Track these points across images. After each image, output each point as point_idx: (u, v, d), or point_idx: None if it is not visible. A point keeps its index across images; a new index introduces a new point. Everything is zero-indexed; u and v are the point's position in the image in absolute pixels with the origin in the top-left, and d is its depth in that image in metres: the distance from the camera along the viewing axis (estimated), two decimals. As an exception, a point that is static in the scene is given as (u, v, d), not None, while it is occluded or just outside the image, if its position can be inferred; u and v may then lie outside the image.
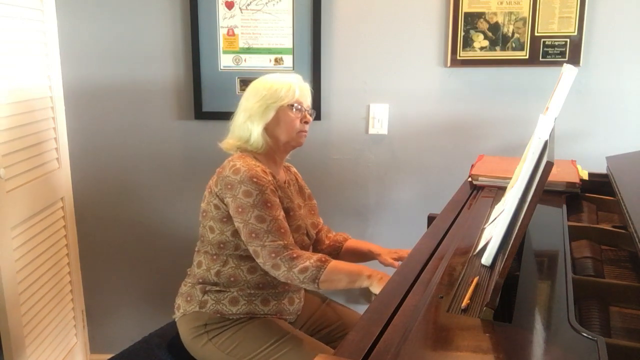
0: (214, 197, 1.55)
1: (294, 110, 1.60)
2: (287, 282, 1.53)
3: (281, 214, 1.53)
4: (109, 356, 1.68)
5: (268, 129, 1.59)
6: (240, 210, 1.50)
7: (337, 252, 1.79)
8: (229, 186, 1.51)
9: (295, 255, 1.48)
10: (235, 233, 1.54)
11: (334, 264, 1.49)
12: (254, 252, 1.51)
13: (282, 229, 1.50)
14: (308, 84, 1.66)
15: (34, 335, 1.98)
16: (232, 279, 1.57)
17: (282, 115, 1.59)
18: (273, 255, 1.48)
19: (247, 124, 1.59)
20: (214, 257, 1.59)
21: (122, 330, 2.44)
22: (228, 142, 1.65)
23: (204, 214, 1.60)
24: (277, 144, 1.63)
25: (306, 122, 1.63)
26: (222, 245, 1.57)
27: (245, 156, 1.58)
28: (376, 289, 1.43)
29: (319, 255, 1.50)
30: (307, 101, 1.65)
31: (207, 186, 1.61)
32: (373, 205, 2.31)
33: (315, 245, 1.79)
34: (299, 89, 1.61)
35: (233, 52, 2.17)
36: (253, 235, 1.49)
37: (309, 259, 1.48)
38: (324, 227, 1.83)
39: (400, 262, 1.66)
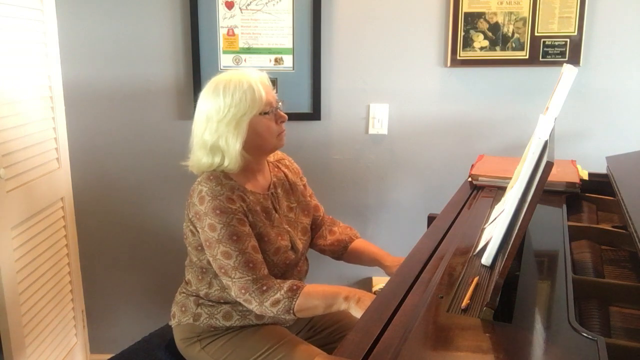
0: (189, 222, 1.48)
1: (267, 115, 1.45)
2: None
3: (250, 244, 1.42)
4: (109, 356, 1.68)
5: (245, 144, 1.43)
6: (207, 244, 1.42)
7: (342, 252, 1.71)
8: (197, 216, 1.43)
9: (265, 288, 1.40)
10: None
11: (307, 290, 1.40)
12: (226, 285, 1.45)
13: (250, 262, 1.40)
14: (264, 73, 1.49)
15: (34, 335, 1.98)
16: (221, 300, 1.53)
17: (257, 125, 1.44)
18: (243, 291, 1.41)
19: (220, 144, 1.42)
20: (200, 278, 1.54)
21: (122, 330, 2.44)
22: (197, 168, 1.49)
23: (185, 236, 1.53)
24: (258, 154, 1.50)
25: (282, 122, 1.49)
26: (204, 270, 1.52)
27: (214, 177, 1.44)
28: (355, 311, 1.35)
29: (290, 283, 1.41)
30: (274, 95, 1.48)
31: (185, 206, 1.51)
32: (373, 205, 2.31)
33: (317, 242, 1.72)
34: (262, 87, 1.43)
35: (233, 52, 2.17)
36: (222, 271, 1.42)
37: (280, 290, 1.39)
38: (326, 220, 1.75)
39: None
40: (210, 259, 1.44)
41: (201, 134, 1.45)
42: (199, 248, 1.49)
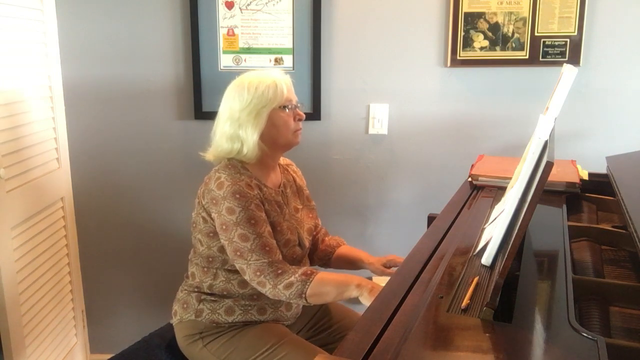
0: (202, 210, 1.51)
1: (287, 110, 1.52)
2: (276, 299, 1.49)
3: (266, 229, 1.47)
4: (109, 356, 1.68)
5: (263, 136, 1.50)
6: (224, 227, 1.45)
7: (329, 258, 1.76)
8: (214, 201, 1.46)
9: (280, 271, 1.44)
10: (222, 249, 1.50)
11: (320, 276, 1.44)
12: (240, 270, 1.48)
13: (267, 246, 1.45)
14: (288, 75, 1.56)
15: (34, 335, 1.98)
16: (225, 292, 1.55)
17: (276, 119, 1.50)
18: (258, 273, 1.44)
19: (239, 134, 1.49)
20: (205, 270, 1.56)
21: (122, 330, 2.44)
22: (215, 156, 1.55)
23: (194, 225, 1.56)
24: (274, 149, 1.55)
25: (300, 120, 1.55)
26: (210, 259, 1.54)
27: (232, 166, 1.51)
28: (366, 299, 1.38)
29: (305, 268, 1.45)
30: (294, 95, 1.56)
31: (197, 194, 1.55)
32: (373, 205, 2.31)
33: (310, 249, 1.75)
34: (285, 85, 1.51)
35: (233, 52, 2.17)
36: (238, 253, 1.45)
37: (294, 274, 1.43)
38: (322, 230, 1.80)
39: (393, 268, 1.64)
40: (226, 243, 1.47)
41: (223, 123, 1.52)
42: (211, 235, 1.51)
